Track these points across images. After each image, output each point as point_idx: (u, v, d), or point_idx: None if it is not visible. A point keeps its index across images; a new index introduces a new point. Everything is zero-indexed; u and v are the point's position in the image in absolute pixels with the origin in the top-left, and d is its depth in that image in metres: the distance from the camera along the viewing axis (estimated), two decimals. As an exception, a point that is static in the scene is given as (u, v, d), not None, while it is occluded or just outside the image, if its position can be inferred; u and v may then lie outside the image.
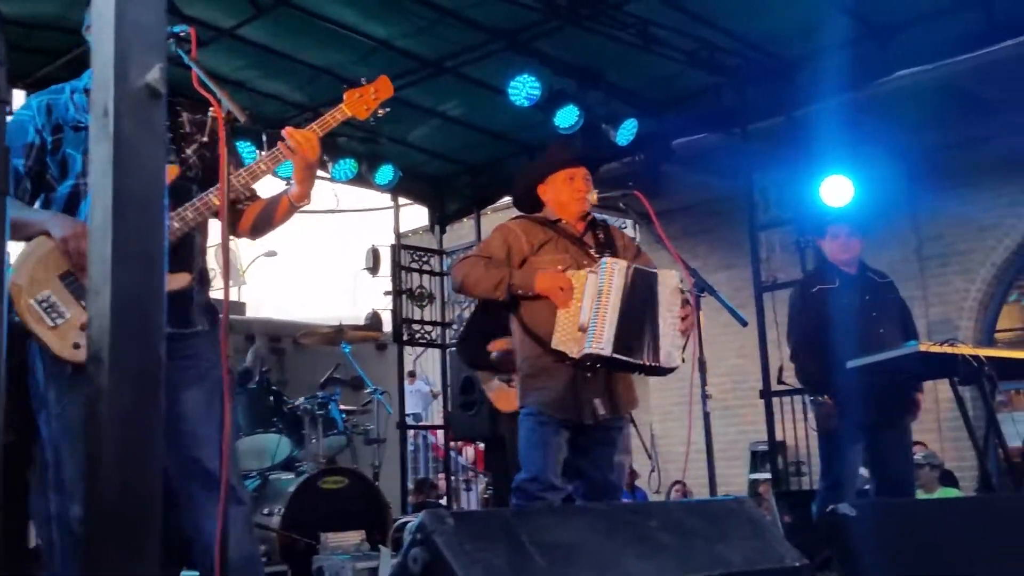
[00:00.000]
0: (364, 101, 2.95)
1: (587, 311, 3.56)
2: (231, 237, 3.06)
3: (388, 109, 3.01)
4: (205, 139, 2.92)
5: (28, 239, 2.68)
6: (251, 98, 7.06)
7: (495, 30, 6.49)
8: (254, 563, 2.75)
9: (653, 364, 3.61)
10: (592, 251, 3.82)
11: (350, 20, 6.31)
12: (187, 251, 2.77)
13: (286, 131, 2.80)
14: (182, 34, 2.53)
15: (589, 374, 3.64)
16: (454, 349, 8.32)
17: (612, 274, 3.59)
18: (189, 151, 2.87)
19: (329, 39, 6.47)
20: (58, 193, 2.75)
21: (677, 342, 3.66)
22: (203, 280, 2.92)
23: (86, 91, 2.79)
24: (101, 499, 1.08)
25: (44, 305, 2.60)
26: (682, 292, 3.71)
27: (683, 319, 3.68)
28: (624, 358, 3.56)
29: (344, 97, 2.94)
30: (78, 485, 2.50)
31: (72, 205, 2.72)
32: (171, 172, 2.77)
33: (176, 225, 2.70)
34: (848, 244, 5.03)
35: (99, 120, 1.14)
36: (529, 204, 4.04)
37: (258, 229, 2.99)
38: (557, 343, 3.60)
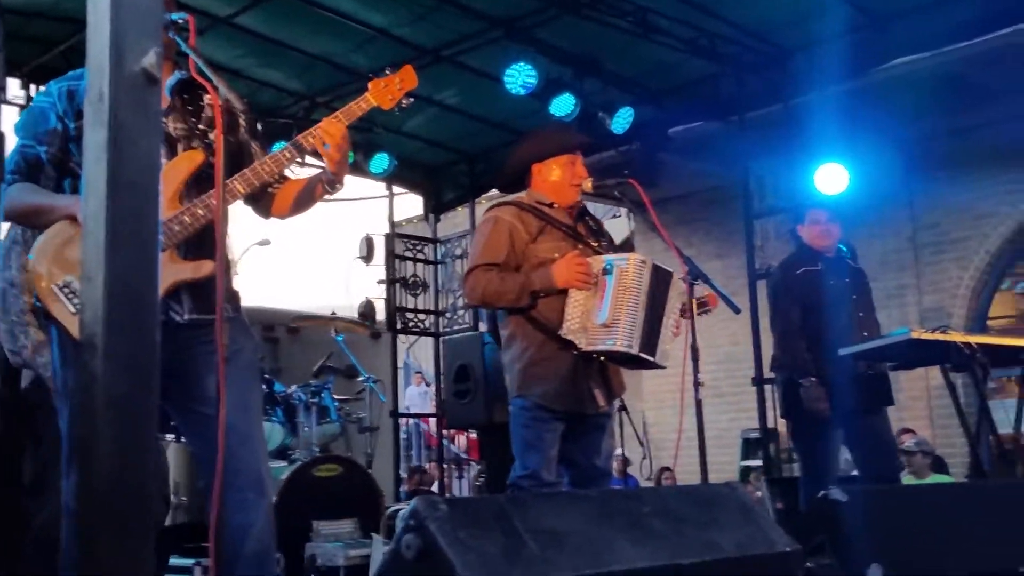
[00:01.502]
0: (389, 91, 2.94)
1: (609, 306, 3.49)
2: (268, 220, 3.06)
3: (412, 100, 3.01)
4: (229, 124, 2.89)
5: (51, 224, 2.67)
6: (248, 86, 7.05)
7: (493, 18, 6.49)
8: (268, 556, 2.74)
9: (653, 361, 3.59)
10: (590, 241, 3.79)
11: (347, 8, 6.30)
12: (211, 238, 2.66)
13: (322, 123, 2.79)
14: (180, 22, 2.52)
15: (587, 363, 3.60)
16: (447, 338, 8.34)
17: (641, 271, 3.52)
18: (212, 136, 2.84)
19: (326, 27, 6.46)
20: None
21: (668, 341, 3.66)
22: (227, 267, 2.90)
23: None
24: (94, 485, 1.08)
25: (66, 291, 2.59)
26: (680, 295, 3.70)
27: (677, 326, 3.68)
28: (646, 357, 3.52)
29: (369, 87, 2.92)
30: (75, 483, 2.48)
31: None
32: (197, 158, 2.76)
33: (201, 212, 2.68)
34: (829, 229, 5.02)
35: (94, 105, 1.14)
36: (515, 183, 3.96)
37: (292, 211, 2.98)
38: (567, 332, 3.53)
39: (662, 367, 3.65)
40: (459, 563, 1.93)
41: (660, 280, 3.60)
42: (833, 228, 5.04)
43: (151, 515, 1.15)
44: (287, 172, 2.96)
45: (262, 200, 2.96)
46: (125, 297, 1.09)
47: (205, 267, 2.70)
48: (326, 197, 3.02)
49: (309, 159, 5.77)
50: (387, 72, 2.97)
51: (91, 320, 1.10)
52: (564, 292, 3.58)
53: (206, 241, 2.71)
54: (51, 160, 2.73)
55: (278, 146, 2.92)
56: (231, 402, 2.37)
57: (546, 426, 3.59)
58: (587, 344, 3.51)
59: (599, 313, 3.49)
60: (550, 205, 3.79)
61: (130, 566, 1.08)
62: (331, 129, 2.77)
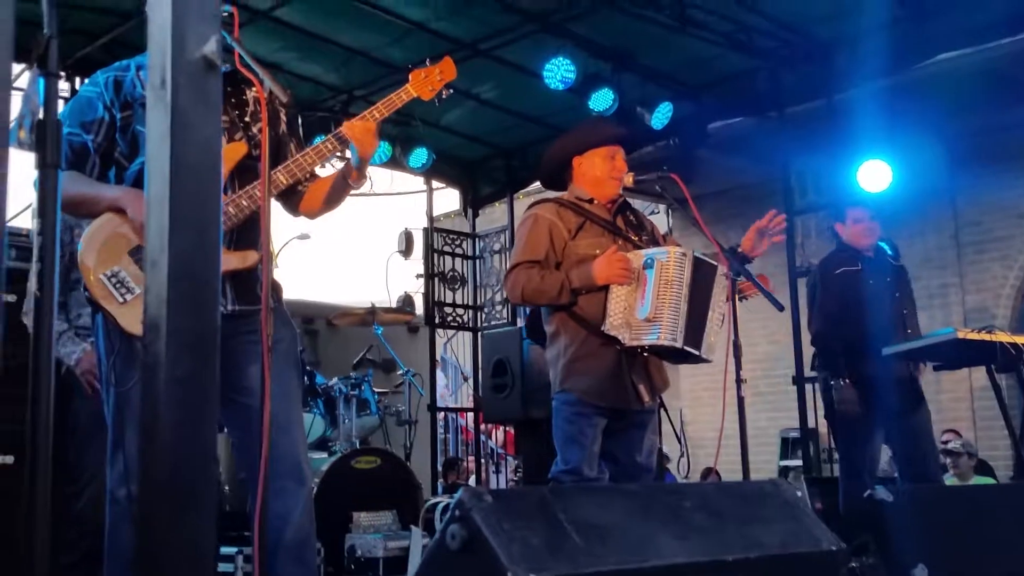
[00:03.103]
0: (429, 82, 2.97)
1: (651, 300, 3.46)
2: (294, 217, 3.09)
3: (451, 91, 3.04)
4: (271, 118, 2.92)
5: (97, 214, 2.71)
6: (287, 80, 7.08)
7: (530, 12, 6.47)
8: (308, 545, 2.76)
9: (698, 354, 3.56)
10: (630, 235, 3.77)
11: (385, 2, 6.31)
12: (255, 229, 2.74)
13: (345, 126, 2.83)
14: (224, 15, 2.54)
15: (630, 358, 3.58)
16: (485, 332, 8.36)
17: (682, 263, 3.49)
18: (255, 129, 2.87)
19: (364, 20, 6.47)
20: (129, 171, 2.77)
21: (713, 334, 3.63)
22: (269, 258, 2.93)
23: None
24: (157, 465, 1.09)
25: (113, 280, 2.63)
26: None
27: (723, 316, 3.65)
28: (691, 350, 3.50)
29: (409, 78, 2.96)
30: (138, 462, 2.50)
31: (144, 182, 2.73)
32: (239, 150, 2.79)
33: (245, 203, 2.72)
34: (872, 228, 5.00)
35: (156, 91, 1.15)
36: (556, 177, 3.95)
37: (321, 209, 3.01)
38: (610, 328, 3.52)
39: (707, 360, 3.63)
40: (503, 554, 1.93)
41: (703, 273, 3.57)
42: (874, 227, 5.01)
43: (213, 493, 1.16)
44: (316, 170, 2.99)
45: (292, 197, 2.98)
46: (187, 280, 1.11)
47: (250, 257, 2.73)
48: (363, 191, 3.05)
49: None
50: (427, 63, 3.00)
51: (155, 301, 1.11)
52: (605, 289, 3.56)
53: (249, 232, 2.74)
54: (97, 149, 2.76)
55: (318, 139, 2.95)
56: (271, 392, 2.39)
57: (588, 421, 3.58)
58: (631, 339, 3.49)
59: (642, 307, 3.47)
60: (590, 201, 3.78)
61: (191, 547, 1.09)
62: (360, 132, 2.80)
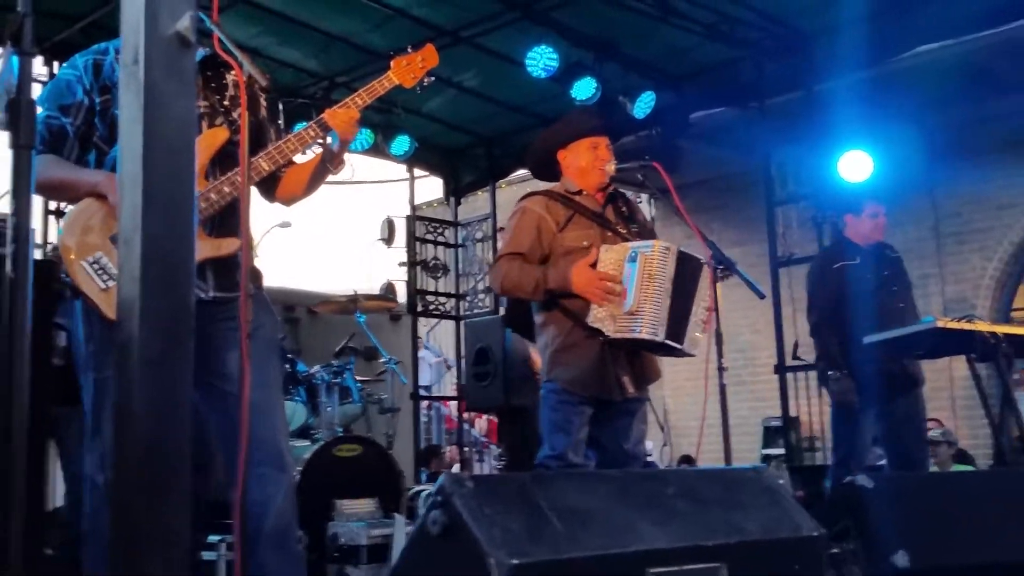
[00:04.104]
0: (411, 69, 2.95)
1: (634, 294, 3.47)
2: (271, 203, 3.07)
3: (433, 79, 3.01)
4: (251, 103, 2.89)
5: (77, 200, 2.68)
6: (266, 65, 7.03)
7: (512, 0, 6.44)
8: (290, 532, 2.74)
9: (680, 348, 3.57)
10: (618, 228, 3.77)
11: (367, -12, 6.27)
12: (235, 216, 2.70)
13: (327, 114, 2.81)
14: (203, -1, 2.51)
15: (614, 350, 3.60)
16: (467, 320, 8.35)
17: (665, 258, 3.50)
18: (236, 115, 2.84)
19: (345, 6, 6.43)
20: (109, 156, 2.74)
21: (698, 329, 3.64)
22: (249, 245, 2.92)
23: None
24: (130, 446, 1.08)
25: (95, 267, 2.60)
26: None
27: (708, 311, 3.66)
28: (673, 344, 3.51)
29: (391, 65, 2.93)
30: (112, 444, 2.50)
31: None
32: (220, 136, 2.77)
33: (227, 189, 2.68)
34: (883, 224, 5.05)
35: (129, 68, 1.13)
36: (545, 170, 3.97)
37: (302, 193, 3.00)
38: (594, 320, 3.54)
39: (690, 355, 3.64)
40: (484, 539, 1.93)
41: (687, 267, 3.58)
42: (884, 222, 5.07)
43: (187, 477, 1.14)
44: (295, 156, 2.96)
45: (270, 183, 2.96)
46: (161, 259, 1.09)
47: (229, 244, 2.70)
48: (345, 179, 3.04)
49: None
50: (409, 50, 2.97)
51: (128, 281, 1.09)
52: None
53: (230, 219, 2.72)
54: (76, 133, 2.73)
55: (299, 127, 2.93)
56: (251, 379, 2.37)
57: (574, 410, 3.61)
58: (614, 332, 3.51)
59: (625, 300, 3.49)
60: (579, 192, 3.81)
61: (166, 534, 1.08)
62: (342, 120, 2.79)
